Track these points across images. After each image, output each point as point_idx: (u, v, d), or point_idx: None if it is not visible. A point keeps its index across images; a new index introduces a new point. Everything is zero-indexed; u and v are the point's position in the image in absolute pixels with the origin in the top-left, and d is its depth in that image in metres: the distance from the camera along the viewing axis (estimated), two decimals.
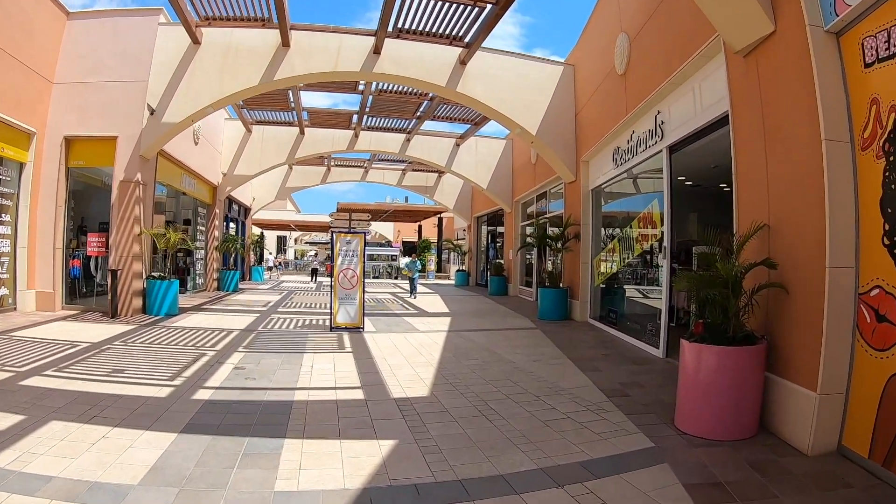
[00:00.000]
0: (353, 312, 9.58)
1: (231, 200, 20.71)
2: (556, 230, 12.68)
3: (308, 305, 14.11)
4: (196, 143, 15.10)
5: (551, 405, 4.99)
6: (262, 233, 41.02)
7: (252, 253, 24.95)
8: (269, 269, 24.98)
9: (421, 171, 24.48)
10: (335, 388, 5.62)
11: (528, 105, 11.94)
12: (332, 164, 23.94)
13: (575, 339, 9.09)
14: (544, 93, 12.18)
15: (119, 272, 10.71)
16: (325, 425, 4.39)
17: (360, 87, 13.92)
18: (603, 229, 11.11)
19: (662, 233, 7.48)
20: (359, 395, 5.40)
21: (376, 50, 10.94)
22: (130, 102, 10.91)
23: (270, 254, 26.06)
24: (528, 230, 16.20)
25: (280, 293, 17.93)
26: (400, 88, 13.81)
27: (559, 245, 11.98)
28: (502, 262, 19.97)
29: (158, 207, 15.21)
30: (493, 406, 4.95)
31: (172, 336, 8.40)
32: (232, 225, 22.04)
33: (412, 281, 17.87)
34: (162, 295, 11.08)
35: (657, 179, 8.00)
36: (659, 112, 7.66)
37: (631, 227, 8.86)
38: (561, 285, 12.06)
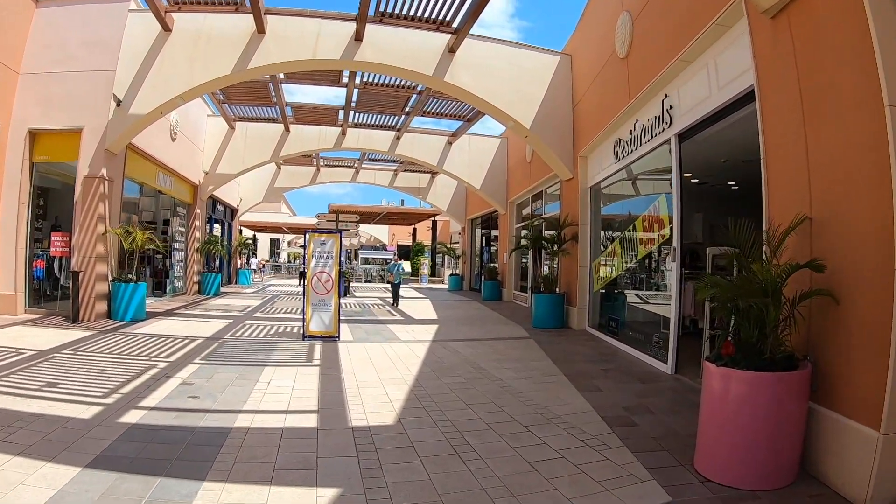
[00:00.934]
0: (327, 320, 8.70)
1: (215, 201, 19.84)
2: (551, 233, 11.81)
3: (287, 311, 13.20)
4: (173, 139, 14.23)
5: (542, 439, 4.09)
6: (254, 235, 40.24)
7: (239, 255, 24.03)
8: (255, 271, 24.15)
9: (413, 171, 23.63)
10: (286, 412, 4.75)
11: (521, 97, 11.09)
12: (322, 164, 23.11)
13: (572, 350, 8.21)
14: (539, 84, 11.34)
15: (81, 274, 9.90)
16: (258, 464, 3.51)
17: (345, 80, 13.09)
18: (603, 230, 10.26)
19: (671, 232, 6.62)
20: (311, 421, 4.51)
21: (358, 36, 10.11)
22: (97, 93, 10.17)
23: (254, 256, 25.15)
24: (523, 232, 15.34)
25: (263, 297, 17.02)
26: (386, 80, 12.99)
27: (555, 247, 11.11)
28: (496, 265, 19.10)
29: (132, 206, 14.47)
30: (470, 440, 4.05)
31: (129, 344, 7.65)
32: (217, 226, 21.17)
33: (395, 287, 15.69)
34: (127, 299, 10.29)
35: (664, 172, 7.15)
36: (666, 96, 6.81)
37: (634, 226, 8.00)
38: (557, 291, 11.19)
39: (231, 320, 10.93)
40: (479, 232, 23.54)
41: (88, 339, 7.90)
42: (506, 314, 13.30)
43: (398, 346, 8.24)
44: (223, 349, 7.69)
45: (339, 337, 8.69)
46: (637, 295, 8.55)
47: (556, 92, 11.37)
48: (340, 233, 8.98)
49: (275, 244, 48.94)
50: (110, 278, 10.49)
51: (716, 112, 5.75)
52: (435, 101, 14.41)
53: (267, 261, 25.03)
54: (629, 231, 8.22)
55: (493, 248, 21.21)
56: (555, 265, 12.18)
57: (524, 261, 17.01)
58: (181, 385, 5.54)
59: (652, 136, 7.21)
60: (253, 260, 24.48)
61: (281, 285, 25.11)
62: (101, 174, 10.19)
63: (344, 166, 23.59)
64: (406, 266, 30.94)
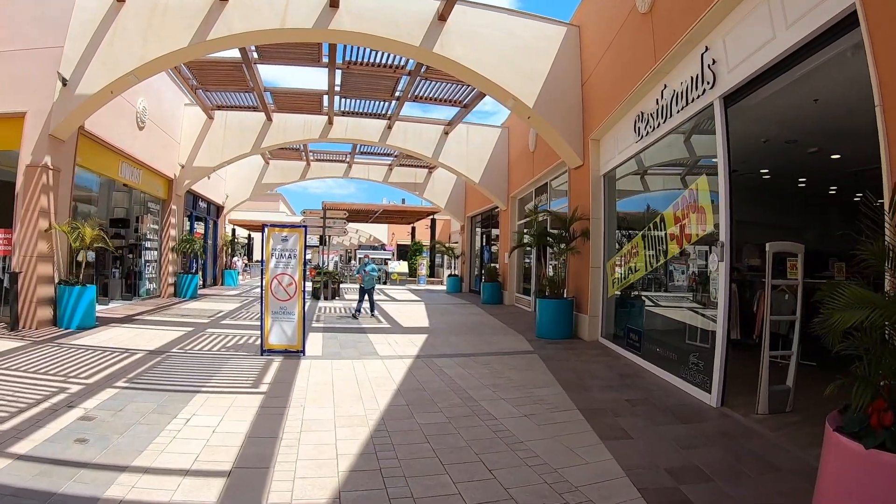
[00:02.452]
0: (290, 331, 7.25)
1: (196, 197, 18.42)
2: (555, 232, 10.34)
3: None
4: (141, 128, 12.83)
5: None
6: (249, 235, 38.83)
7: (226, 255, 22.61)
8: (241, 272, 22.81)
9: (409, 166, 22.19)
10: (185, 473, 3.32)
11: (522, 72, 9.61)
12: (312, 158, 21.70)
13: (584, 370, 6.71)
14: (543, 58, 9.86)
15: (21, 275, 8.62)
16: None
17: (325, 59, 11.66)
18: (619, 225, 8.78)
19: (715, 223, 5.16)
20: (212, 493, 3.07)
21: (333, 2, 8.68)
22: (42, 73, 8.93)
23: (237, 256, 23.80)
24: (525, 228, 13.87)
25: (241, 301, 15.56)
26: (371, 59, 11.54)
27: (562, 245, 9.63)
28: (497, 266, 17.63)
29: (96, 201, 13.16)
30: None
31: (56, 359, 6.41)
32: (199, 224, 19.78)
33: (366, 294, 12.23)
34: (73, 304, 8.98)
35: (702, 148, 5.69)
36: (707, 49, 5.33)
37: (662, 218, 6.50)
38: (565, 295, 9.71)
39: (192, 328, 9.53)
40: (478, 230, 22.08)
41: (13, 351, 6.73)
42: (506, 321, 11.82)
43: (373, 365, 6.76)
44: (160, 367, 6.30)
45: (303, 352, 7.24)
46: (666, 302, 7.10)
47: (562, 67, 9.89)
48: (305, 227, 7.51)
49: None
50: (56, 280, 9.14)
51: (780, 61, 4.32)
52: (427, 83, 12.97)
53: (249, 262, 23.58)
54: (656, 223, 6.73)
55: (493, 248, 19.71)
56: (562, 265, 10.71)
57: (527, 261, 15.56)
58: (79, 420, 4.26)
59: (686, 103, 5.73)
60: (236, 260, 23.03)
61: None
62: (44, 163, 8.93)
63: (335, 160, 22.17)
64: (403, 266, 29.49)
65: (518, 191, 15.87)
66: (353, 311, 12.14)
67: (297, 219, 37.63)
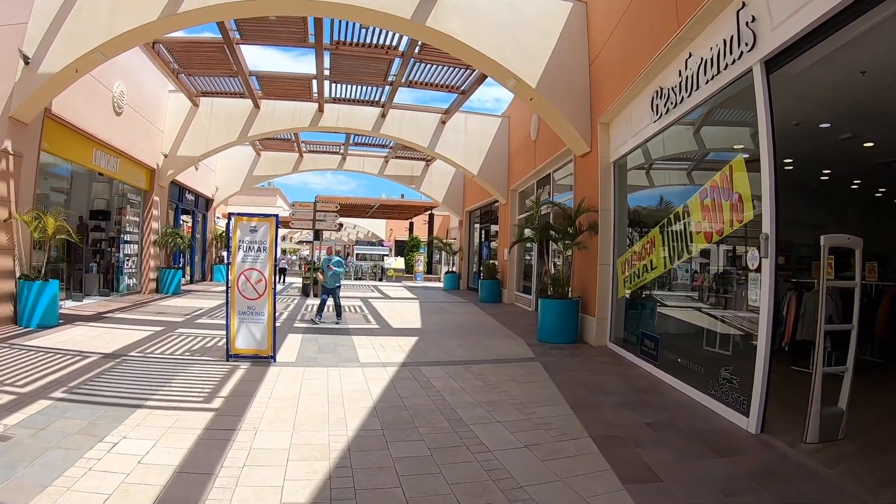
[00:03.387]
0: (259, 334, 6.41)
1: (182, 189, 17.55)
2: (560, 226, 9.50)
3: None
4: (118, 114, 11.99)
5: None
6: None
7: (215, 250, 21.75)
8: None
9: (405, 158, 21.33)
10: None
11: (524, 49, 8.73)
12: (304, 149, 20.84)
13: (593, 383, 5.84)
14: (547, 36, 8.98)
15: None
16: None
17: (311, 38, 10.80)
18: (631, 218, 7.94)
19: (755, 212, 4.31)
20: None
21: None
22: (3, 50, 8.15)
23: (224, 252, 22.96)
24: (527, 221, 13.02)
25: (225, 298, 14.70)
26: (360, 38, 10.69)
27: (567, 240, 8.78)
28: (495, 262, 16.78)
29: (68, 191, 12.38)
30: None
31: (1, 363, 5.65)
32: (186, 217, 18.94)
33: (329, 294, 10.18)
34: (33, 301, 8.23)
35: (737, 124, 4.84)
36: (745, 4, 4.46)
37: (686, 208, 5.62)
38: (570, 295, 8.87)
39: (162, 328, 8.72)
40: (477, 226, 21.21)
41: None
42: (505, 321, 10.98)
43: (351, 375, 5.91)
44: (109, 375, 5.51)
45: (274, 358, 6.41)
46: (689, 304, 6.26)
47: (568, 45, 9.01)
48: (276, 217, 6.65)
49: None
50: (17, 275, 8.36)
51: (837, 13, 3.46)
52: (422, 67, 12.10)
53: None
54: (678, 214, 5.86)
55: (492, 244, 18.85)
56: (563, 262, 9.86)
57: (528, 257, 14.71)
58: None
59: (718, 71, 4.86)
60: (224, 254, 22.17)
61: None
62: (3, 147, 8.17)
63: (328, 152, 21.31)
64: (399, 263, 28.64)
65: (518, 183, 15.01)
66: (315, 316, 10.06)
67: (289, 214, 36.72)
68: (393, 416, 4.45)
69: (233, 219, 6.51)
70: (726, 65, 4.71)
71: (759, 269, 4.26)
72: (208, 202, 21.02)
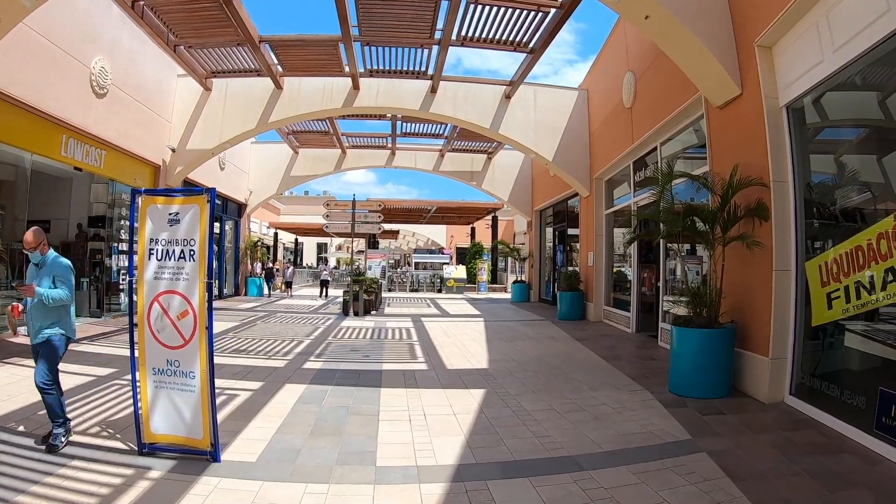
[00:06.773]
0: (188, 411, 3.44)
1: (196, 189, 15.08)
2: (695, 220, 6.06)
3: (239, 350, 8.02)
4: (100, 95, 9.58)
5: None
6: (296, 239, 35.97)
7: (249, 261, 19.38)
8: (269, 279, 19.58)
9: (463, 151, 18.30)
10: None
11: None
12: (346, 143, 18.17)
13: None
14: None
15: None
16: None
17: None
18: (827, 195, 4.50)
19: None
20: None
21: None
22: None
23: (264, 263, 20.64)
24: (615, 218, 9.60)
25: (244, 317, 12.04)
26: None
27: (717, 233, 5.40)
28: (577, 270, 13.36)
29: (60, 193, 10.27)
30: None
31: None
32: (216, 225, 16.63)
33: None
34: None
35: None
36: None
37: None
38: (720, 319, 5.44)
39: (111, 371, 6.10)
40: (549, 228, 17.79)
41: None
42: (605, 353, 7.62)
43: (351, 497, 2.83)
44: None
45: (217, 454, 3.41)
46: None
47: None
48: (213, 192, 3.59)
49: (322, 248, 44.66)
50: None
51: None
52: (477, 11, 9.04)
53: (267, 267, 20.24)
54: None
55: (574, 251, 15.34)
56: (689, 267, 6.41)
57: (621, 260, 11.29)
58: None
59: None
60: (257, 265, 19.79)
61: (301, 296, 20.31)
62: None
63: (374, 146, 18.59)
64: (460, 272, 25.48)
65: (604, 169, 11.58)
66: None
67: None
68: None
69: (138, 200, 3.57)
70: None
71: None
72: (240, 207, 18.69)
